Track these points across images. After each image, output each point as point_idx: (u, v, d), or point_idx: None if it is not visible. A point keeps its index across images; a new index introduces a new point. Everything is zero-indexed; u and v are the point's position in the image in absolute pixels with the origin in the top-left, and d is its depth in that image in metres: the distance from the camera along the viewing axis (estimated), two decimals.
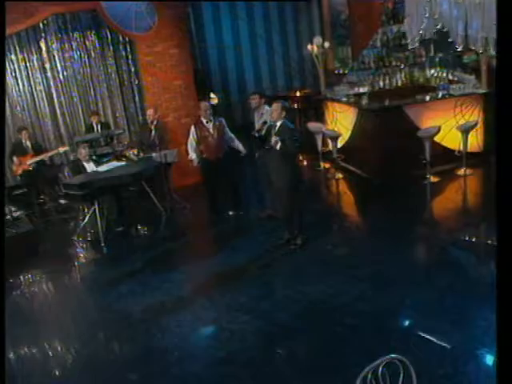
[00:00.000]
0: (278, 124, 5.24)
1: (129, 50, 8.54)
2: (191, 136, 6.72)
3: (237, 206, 6.99)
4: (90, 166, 7.07)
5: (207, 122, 6.62)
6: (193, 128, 6.71)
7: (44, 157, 7.85)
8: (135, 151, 7.42)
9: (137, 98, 8.82)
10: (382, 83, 8.99)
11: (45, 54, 8.21)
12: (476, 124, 7.40)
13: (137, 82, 8.74)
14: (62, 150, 7.85)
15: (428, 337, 3.78)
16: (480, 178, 7.40)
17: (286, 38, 13.77)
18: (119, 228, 6.94)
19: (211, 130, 6.59)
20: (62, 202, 8.33)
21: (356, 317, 4.16)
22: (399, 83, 9.01)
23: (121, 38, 8.48)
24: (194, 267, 5.58)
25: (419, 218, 6.41)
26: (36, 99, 8.30)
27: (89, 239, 6.78)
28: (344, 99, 8.30)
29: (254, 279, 5.06)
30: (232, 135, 6.83)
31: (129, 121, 8.95)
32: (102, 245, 6.45)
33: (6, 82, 7.92)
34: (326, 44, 8.71)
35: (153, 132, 7.77)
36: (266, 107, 6.38)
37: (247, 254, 5.67)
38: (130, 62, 8.60)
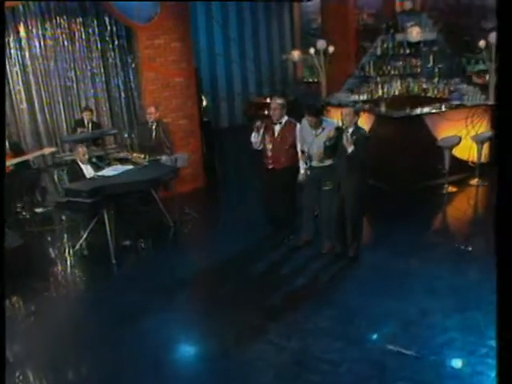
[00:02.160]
0: (350, 130, 4.70)
1: (117, 42, 7.67)
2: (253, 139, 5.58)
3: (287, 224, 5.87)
4: (87, 170, 6.14)
5: (274, 124, 5.48)
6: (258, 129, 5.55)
7: (26, 158, 6.71)
8: (140, 154, 6.58)
9: (123, 96, 7.95)
10: (380, 91, 8.84)
11: (24, 41, 7.12)
12: (492, 135, 7.41)
13: (123, 79, 7.88)
14: (47, 151, 6.70)
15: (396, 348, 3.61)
16: (492, 189, 7.42)
17: (259, 43, 13.41)
18: (126, 242, 6.04)
19: (276, 134, 5.45)
20: (39, 211, 7.29)
21: (467, 334, 3.76)
22: (397, 92, 8.90)
23: (108, 28, 7.60)
24: (241, 289, 4.86)
25: (454, 231, 6.25)
26: (12, 92, 7.14)
27: (95, 255, 5.84)
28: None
29: (320, 299, 4.48)
30: None
31: (114, 120, 8.03)
32: (114, 262, 5.57)
33: None
34: (331, 49, 8.36)
35: (153, 133, 6.98)
36: (326, 121, 5.19)
37: (293, 270, 5.07)
38: (116, 55, 7.73)
